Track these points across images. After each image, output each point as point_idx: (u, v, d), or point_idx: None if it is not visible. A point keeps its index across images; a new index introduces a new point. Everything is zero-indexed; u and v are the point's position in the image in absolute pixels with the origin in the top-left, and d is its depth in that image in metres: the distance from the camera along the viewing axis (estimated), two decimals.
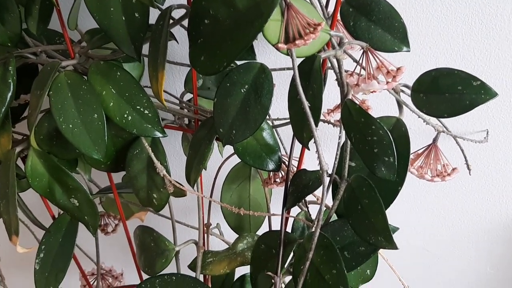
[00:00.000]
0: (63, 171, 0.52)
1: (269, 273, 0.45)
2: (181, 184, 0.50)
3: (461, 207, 0.74)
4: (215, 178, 0.58)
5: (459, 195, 0.73)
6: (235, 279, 0.57)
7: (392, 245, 0.39)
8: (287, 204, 0.47)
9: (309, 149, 0.41)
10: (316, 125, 0.37)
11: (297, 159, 0.52)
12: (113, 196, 0.65)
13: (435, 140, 0.50)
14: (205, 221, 0.60)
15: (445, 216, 0.76)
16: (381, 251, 0.52)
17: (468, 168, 0.58)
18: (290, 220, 0.52)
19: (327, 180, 0.39)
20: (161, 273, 0.53)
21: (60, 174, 0.52)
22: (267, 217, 0.59)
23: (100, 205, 0.68)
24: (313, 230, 0.41)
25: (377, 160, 0.41)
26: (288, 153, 0.50)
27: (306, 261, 0.41)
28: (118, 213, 0.68)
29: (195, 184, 0.51)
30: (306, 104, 0.36)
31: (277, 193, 0.59)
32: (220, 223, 0.68)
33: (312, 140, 0.38)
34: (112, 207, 0.69)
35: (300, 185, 0.46)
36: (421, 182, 0.49)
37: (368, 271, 0.53)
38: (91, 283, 0.78)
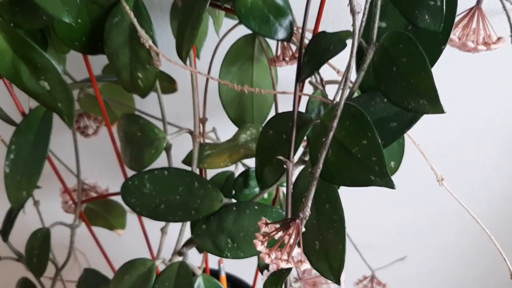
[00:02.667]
0: (29, 46, 0.43)
1: (280, 157, 0.38)
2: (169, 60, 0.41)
3: None
4: (210, 62, 0.49)
5: None
6: (236, 175, 0.49)
7: (437, 108, 0.31)
8: (302, 76, 0.39)
9: None
10: None
11: (312, 31, 0.43)
12: (93, 92, 0.56)
13: (479, 2, 0.41)
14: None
15: None
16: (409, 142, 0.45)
17: None
18: (303, 104, 0.44)
19: (358, 23, 0.31)
20: (151, 167, 0.45)
21: (26, 49, 0.43)
22: (273, 108, 0.50)
23: (77, 103, 0.59)
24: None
25: (420, 5, 0.32)
26: (302, 22, 0.41)
27: (330, 131, 0.33)
28: (100, 114, 0.60)
29: (188, 60, 0.42)
30: None
31: (285, 79, 0.50)
32: (217, 127, 0.60)
33: None
34: (92, 107, 0.60)
35: (318, 51, 0.38)
36: None
37: (392, 163, 0.45)
38: (71, 201, 0.71)
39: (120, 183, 0.53)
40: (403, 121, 0.37)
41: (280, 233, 0.35)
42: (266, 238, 0.35)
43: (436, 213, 0.79)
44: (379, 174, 0.31)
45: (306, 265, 0.34)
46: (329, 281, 0.47)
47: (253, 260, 0.63)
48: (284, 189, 0.52)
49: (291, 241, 0.34)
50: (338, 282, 0.37)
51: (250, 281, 0.72)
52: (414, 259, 0.82)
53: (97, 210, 0.67)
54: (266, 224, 0.36)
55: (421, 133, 0.47)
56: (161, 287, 0.43)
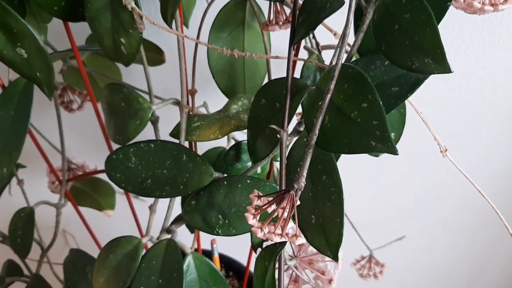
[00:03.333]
0: (4, 10, 0.40)
1: (274, 126, 0.35)
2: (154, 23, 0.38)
3: None
4: (199, 29, 0.46)
5: None
6: (228, 148, 0.46)
7: (444, 66, 0.29)
8: (296, 37, 0.36)
9: None
10: None
11: None
12: (76, 64, 0.53)
13: None
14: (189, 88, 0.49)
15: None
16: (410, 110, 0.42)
17: None
18: (297, 72, 0.41)
19: None
20: (136, 140, 0.43)
21: (1, 14, 0.40)
22: (266, 79, 0.48)
23: (60, 75, 0.56)
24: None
25: None
26: None
27: (327, 94, 0.30)
28: (84, 88, 0.57)
29: (175, 26, 0.39)
30: None
31: (278, 48, 0.47)
32: (208, 102, 0.58)
33: None
34: (76, 81, 0.58)
35: (313, 10, 0.35)
36: None
37: (392, 134, 0.43)
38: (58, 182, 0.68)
39: None
40: (405, 85, 0.34)
41: (273, 206, 0.33)
42: (259, 211, 0.33)
43: (437, 188, 0.77)
44: (380, 139, 0.28)
45: (302, 240, 0.31)
46: (326, 259, 0.45)
47: (247, 240, 0.60)
48: (278, 163, 0.49)
49: (285, 214, 0.32)
50: (335, 258, 0.34)
51: (244, 262, 0.70)
52: (413, 239, 0.80)
53: (84, 190, 0.64)
54: (259, 197, 0.33)
55: (423, 103, 0.44)
56: (148, 266, 0.40)
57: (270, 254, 0.31)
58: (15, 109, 0.49)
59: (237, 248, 0.71)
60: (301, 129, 0.40)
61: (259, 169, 0.46)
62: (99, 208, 0.67)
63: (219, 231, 0.41)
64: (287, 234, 0.31)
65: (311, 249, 0.46)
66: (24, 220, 0.55)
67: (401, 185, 0.77)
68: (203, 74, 0.66)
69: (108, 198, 0.66)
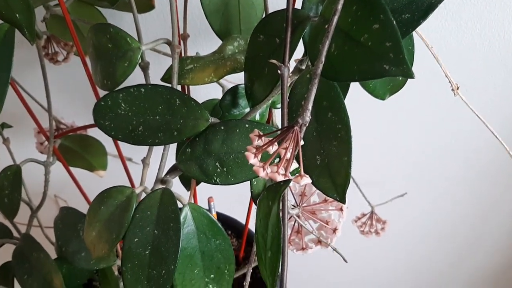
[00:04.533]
0: None
1: (274, 61, 0.32)
2: None
3: None
4: None
5: None
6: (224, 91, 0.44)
7: None
8: None
9: None
10: None
11: None
12: (60, 12, 0.50)
13: None
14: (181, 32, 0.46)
15: None
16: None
17: None
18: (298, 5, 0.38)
19: None
20: (125, 86, 0.40)
21: None
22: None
23: (43, 24, 0.53)
24: None
25: None
26: None
27: (334, 15, 0.27)
28: (70, 38, 0.53)
29: None
30: None
31: None
32: (200, 52, 0.54)
33: None
34: (60, 31, 0.54)
35: None
36: None
37: None
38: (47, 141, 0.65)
39: None
40: (417, 11, 0.31)
41: (275, 147, 0.30)
42: (260, 151, 0.30)
43: (442, 142, 0.74)
44: (395, 62, 0.26)
45: (307, 180, 0.29)
46: (330, 208, 0.43)
47: (245, 199, 0.58)
48: (277, 110, 0.47)
49: (288, 154, 0.29)
50: (342, 200, 0.32)
51: (242, 220, 0.68)
52: (415, 197, 0.78)
53: (75, 149, 0.61)
54: (259, 136, 0.31)
55: (433, 40, 0.42)
56: (142, 217, 0.38)
57: (273, 193, 0.28)
58: None
59: (235, 208, 0.69)
60: (303, 67, 0.37)
61: (257, 116, 0.43)
62: (91, 169, 0.64)
63: (217, 180, 0.39)
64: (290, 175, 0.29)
65: (314, 198, 0.44)
66: (10, 179, 0.53)
67: (407, 134, 0.75)
68: (195, 25, 0.62)
69: (100, 157, 0.63)
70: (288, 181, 0.28)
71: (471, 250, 0.91)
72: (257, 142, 0.31)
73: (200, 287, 0.42)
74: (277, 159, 0.30)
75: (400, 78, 0.40)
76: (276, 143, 0.31)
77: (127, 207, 0.38)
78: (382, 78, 0.27)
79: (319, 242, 0.42)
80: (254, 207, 0.57)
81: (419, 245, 0.90)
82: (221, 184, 0.39)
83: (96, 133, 0.64)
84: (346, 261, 0.41)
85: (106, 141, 0.65)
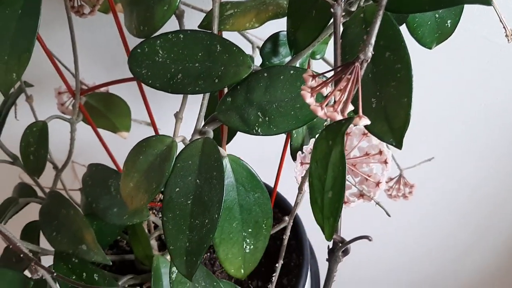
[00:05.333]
0: None
1: None
2: None
3: None
4: None
5: None
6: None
7: None
8: None
9: None
10: None
11: None
12: None
13: None
14: None
15: None
16: None
17: None
18: None
19: None
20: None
21: None
22: None
23: None
24: None
25: None
26: None
27: None
28: None
29: None
30: None
31: None
32: None
33: None
34: None
35: None
36: None
37: (449, 22, 0.38)
38: (68, 102, 0.64)
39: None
40: None
41: (329, 88, 0.29)
42: (315, 90, 0.29)
43: (473, 108, 0.73)
44: None
45: (365, 121, 0.27)
46: (372, 161, 0.42)
47: (273, 162, 0.57)
48: (315, 61, 0.45)
49: (346, 94, 0.28)
50: (399, 145, 0.31)
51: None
52: (443, 161, 0.77)
53: (98, 108, 0.60)
54: (313, 76, 0.29)
55: None
56: (183, 166, 0.37)
57: (334, 132, 0.27)
58: (22, 8, 0.44)
59: (263, 171, 0.68)
60: (353, 9, 0.35)
61: (297, 65, 0.41)
62: (113, 130, 0.63)
63: (259, 130, 0.38)
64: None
65: (354, 152, 0.43)
66: (36, 135, 0.52)
67: (442, 94, 0.73)
68: None
69: (123, 118, 0.62)
70: (351, 118, 0.26)
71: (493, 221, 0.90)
72: (311, 82, 0.29)
73: (238, 241, 0.41)
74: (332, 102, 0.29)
75: (449, 25, 0.39)
76: (331, 85, 0.29)
77: (168, 156, 0.37)
78: (457, 5, 0.25)
79: (361, 195, 0.40)
80: (284, 167, 0.56)
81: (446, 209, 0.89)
82: (262, 135, 0.38)
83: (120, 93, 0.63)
84: (389, 215, 0.40)
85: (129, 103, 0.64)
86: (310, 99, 0.28)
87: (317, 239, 0.70)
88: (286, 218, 0.54)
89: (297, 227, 0.61)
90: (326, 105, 0.28)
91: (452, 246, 0.95)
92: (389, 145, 0.35)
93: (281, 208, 0.63)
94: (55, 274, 0.40)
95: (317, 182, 0.28)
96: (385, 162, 0.40)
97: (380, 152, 0.40)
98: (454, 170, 0.82)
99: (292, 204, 0.51)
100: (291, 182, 0.47)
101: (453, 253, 0.97)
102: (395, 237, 0.97)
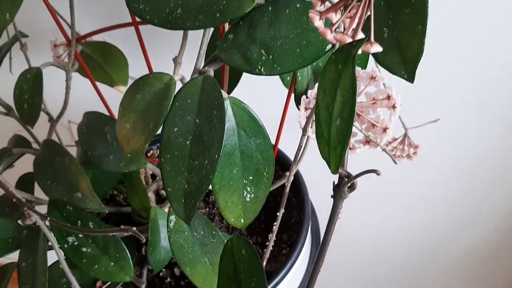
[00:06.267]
0: None
1: None
2: None
3: None
4: None
5: None
6: None
7: None
8: None
9: None
10: None
11: None
12: None
13: None
14: None
15: None
16: None
17: None
18: None
19: None
20: None
21: None
22: None
23: None
24: None
25: None
26: None
27: None
28: None
29: None
30: None
31: None
32: None
33: None
34: None
35: None
36: None
37: None
38: (64, 54, 0.62)
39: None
40: None
41: (338, 15, 0.27)
42: (324, 14, 0.27)
43: (481, 67, 0.70)
44: None
45: (377, 47, 0.26)
46: (379, 108, 0.40)
47: (275, 120, 0.55)
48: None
49: (357, 19, 0.26)
50: (411, 78, 0.29)
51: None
52: (448, 122, 0.75)
53: (95, 59, 0.58)
54: (322, 1, 0.27)
55: None
56: (182, 105, 0.35)
57: (344, 55, 0.25)
58: None
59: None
60: None
61: None
62: (110, 83, 0.61)
63: (262, 69, 0.36)
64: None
65: (361, 98, 0.41)
66: (31, 82, 0.50)
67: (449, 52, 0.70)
68: None
69: (121, 70, 0.60)
70: (362, 40, 0.25)
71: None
72: (319, 7, 0.27)
73: (238, 188, 0.40)
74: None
75: None
76: (340, 12, 0.27)
77: (166, 94, 0.35)
78: None
79: (367, 142, 0.39)
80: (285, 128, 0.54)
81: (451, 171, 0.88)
82: (265, 74, 0.36)
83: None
84: (395, 163, 0.38)
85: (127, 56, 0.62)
86: (318, 22, 0.26)
87: (317, 199, 0.69)
88: (287, 173, 0.53)
89: (299, 183, 0.60)
90: (336, 30, 0.27)
91: (457, 215, 0.94)
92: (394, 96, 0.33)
93: (282, 165, 0.62)
94: (48, 219, 0.39)
95: (324, 112, 0.27)
96: (394, 107, 0.38)
97: (388, 97, 0.39)
98: (460, 134, 0.80)
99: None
100: (292, 142, 0.45)
101: (458, 222, 0.96)
102: (398, 204, 0.96)
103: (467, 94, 0.74)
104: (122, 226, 0.34)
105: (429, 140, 0.70)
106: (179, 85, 0.37)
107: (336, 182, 0.29)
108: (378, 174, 0.26)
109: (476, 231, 0.98)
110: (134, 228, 0.33)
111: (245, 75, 0.51)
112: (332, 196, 0.29)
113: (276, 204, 0.63)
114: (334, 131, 0.25)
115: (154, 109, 0.35)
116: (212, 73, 0.37)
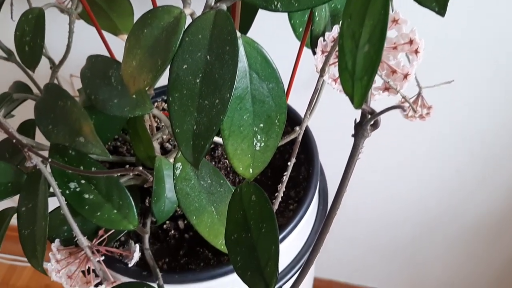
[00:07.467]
0: None
1: None
2: None
3: None
4: None
5: None
6: None
7: None
8: None
9: None
10: None
11: None
12: None
13: None
14: None
15: None
16: None
17: None
18: None
19: None
20: None
21: None
22: None
23: None
24: None
25: None
26: None
27: None
28: None
29: None
30: None
31: None
32: None
33: None
34: None
35: None
36: None
37: None
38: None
39: None
40: None
41: None
42: None
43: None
44: None
45: None
46: (399, 55, 0.38)
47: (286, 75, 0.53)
48: None
49: None
50: (443, 9, 0.27)
51: None
52: (467, 83, 0.73)
53: (99, 4, 0.55)
54: None
55: None
56: (192, 41, 0.33)
57: None
58: None
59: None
60: None
61: None
62: (115, 31, 0.59)
63: (278, 5, 0.33)
64: None
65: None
66: (32, 23, 0.47)
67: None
68: None
69: (126, 18, 0.57)
70: None
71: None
72: None
73: (249, 136, 0.38)
74: None
75: None
76: None
77: (175, 28, 0.33)
78: None
79: (386, 89, 0.37)
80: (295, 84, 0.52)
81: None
82: (282, 11, 0.34)
83: None
84: (414, 109, 0.36)
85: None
86: None
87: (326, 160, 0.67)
88: (297, 127, 0.51)
89: (308, 139, 0.58)
90: None
91: (463, 181, 0.93)
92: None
93: (292, 121, 0.60)
94: (49, 160, 0.37)
95: (349, 41, 0.24)
96: (416, 52, 0.36)
97: (411, 42, 0.36)
98: (475, 100, 0.78)
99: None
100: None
101: (465, 192, 0.95)
102: (403, 171, 0.94)
103: (484, 58, 0.72)
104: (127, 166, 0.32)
105: (443, 102, 0.68)
106: (190, 20, 0.35)
107: (357, 120, 0.27)
108: (404, 110, 0.24)
109: (482, 200, 0.96)
110: (141, 168, 0.31)
111: (256, 22, 0.49)
112: (353, 135, 0.27)
113: (284, 162, 0.61)
114: (361, 58, 0.23)
115: (163, 45, 0.33)
116: (225, 8, 0.35)
